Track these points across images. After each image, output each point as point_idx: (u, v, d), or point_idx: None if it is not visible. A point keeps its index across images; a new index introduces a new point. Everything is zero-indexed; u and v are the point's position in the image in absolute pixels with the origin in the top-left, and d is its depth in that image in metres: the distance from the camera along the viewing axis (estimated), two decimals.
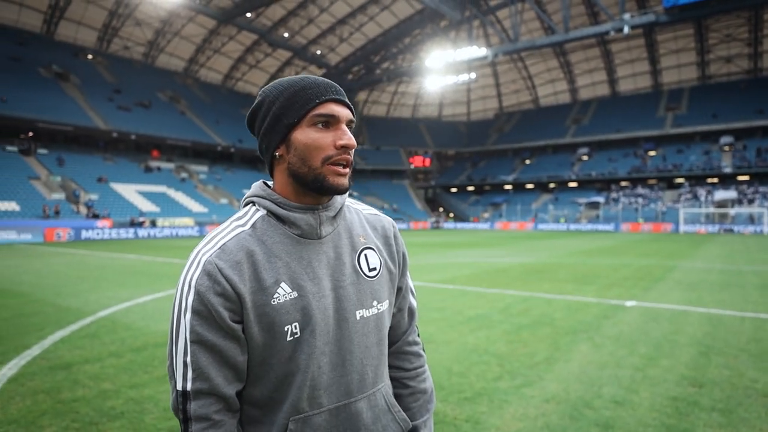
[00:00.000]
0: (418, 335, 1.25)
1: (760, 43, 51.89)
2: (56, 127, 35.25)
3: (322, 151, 0.97)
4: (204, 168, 45.36)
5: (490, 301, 7.85)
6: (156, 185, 37.39)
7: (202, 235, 31.80)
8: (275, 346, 0.95)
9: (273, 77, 61.58)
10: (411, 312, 1.23)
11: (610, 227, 43.41)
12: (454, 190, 64.81)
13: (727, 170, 45.52)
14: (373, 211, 1.21)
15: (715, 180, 47.50)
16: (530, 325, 6.21)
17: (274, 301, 0.94)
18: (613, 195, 50.35)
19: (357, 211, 1.16)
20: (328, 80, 1.03)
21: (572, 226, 45.35)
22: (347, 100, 1.03)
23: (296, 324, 0.95)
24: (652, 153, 53.16)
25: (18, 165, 31.79)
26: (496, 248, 20.89)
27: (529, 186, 58.15)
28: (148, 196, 35.10)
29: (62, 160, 34.44)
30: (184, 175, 42.35)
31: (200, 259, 0.94)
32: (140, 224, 30.08)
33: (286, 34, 51.22)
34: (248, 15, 46.09)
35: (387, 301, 1.10)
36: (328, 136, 0.98)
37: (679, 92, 57.89)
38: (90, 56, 47.35)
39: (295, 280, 0.97)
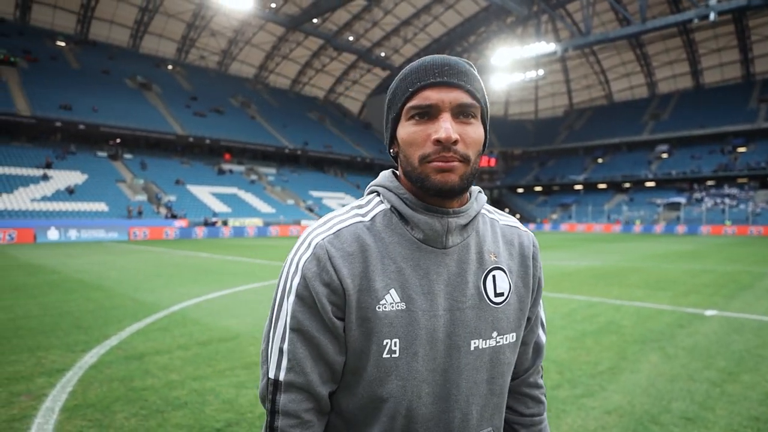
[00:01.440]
0: (542, 377, 1.08)
1: None
2: (140, 133, 38.05)
3: (418, 148, 0.84)
4: (272, 170, 47.16)
5: (553, 306, 7.55)
6: (227, 187, 39.34)
7: (264, 236, 33.10)
8: (370, 359, 0.84)
9: (338, 80, 62.99)
10: (537, 348, 1.05)
11: (687, 230, 40.43)
12: (520, 190, 63.07)
13: None
14: (512, 221, 1.03)
15: None
16: (595, 331, 5.91)
17: (379, 308, 0.83)
18: (696, 195, 46.82)
19: (492, 222, 1.00)
20: (444, 57, 0.86)
21: (657, 228, 42.68)
22: (460, 80, 0.84)
23: (396, 341, 0.83)
24: (742, 149, 48.86)
25: (106, 169, 34.62)
26: (562, 251, 20.08)
27: (602, 186, 55.39)
28: (220, 197, 37.00)
29: (145, 164, 37.10)
30: (253, 177, 44.25)
31: (312, 240, 0.86)
32: (213, 224, 31.77)
33: (350, 38, 52.19)
34: (314, 21, 47.42)
35: (512, 334, 0.94)
36: (426, 130, 0.84)
37: None
38: (170, 66, 50.74)
39: (406, 290, 0.84)
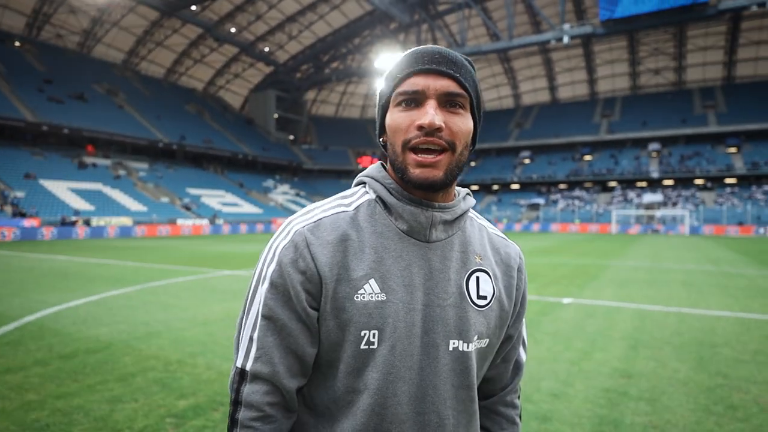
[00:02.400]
0: (519, 398, 1.04)
1: (684, 57, 55.84)
2: None
3: (401, 133, 0.82)
4: (144, 165, 43.37)
5: None
6: (91, 182, 35.36)
7: (129, 236, 30.42)
8: (346, 351, 0.81)
9: (219, 73, 59.92)
10: (517, 367, 1.01)
11: (543, 228, 45.32)
12: None
13: (655, 175, 48.64)
14: (500, 233, 1.01)
15: (644, 184, 50.63)
16: None
17: (357, 298, 0.80)
18: (552, 197, 52.55)
19: (481, 227, 0.98)
20: (435, 47, 0.84)
21: (533, 226, 47.00)
22: (449, 69, 0.82)
23: (375, 332, 0.80)
24: (588, 157, 55.94)
25: None
26: None
27: (474, 187, 59.68)
28: (82, 193, 33.14)
29: None
30: (121, 172, 40.31)
31: (292, 227, 0.85)
32: (73, 223, 28.36)
33: (233, 30, 49.93)
34: (193, 8, 44.57)
35: (487, 340, 0.89)
36: (410, 116, 0.82)
37: (613, 100, 61.30)
38: (17, 43, 44.15)
39: (386, 281, 0.82)
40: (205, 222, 35.82)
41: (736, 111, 50.47)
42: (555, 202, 51.38)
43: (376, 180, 0.90)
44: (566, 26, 39.43)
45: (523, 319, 1.00)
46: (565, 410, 3.49)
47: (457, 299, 0.86)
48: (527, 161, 59.30)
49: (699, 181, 47.80)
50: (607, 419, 3.35)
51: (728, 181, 46.63)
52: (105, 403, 3.56)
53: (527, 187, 56.35)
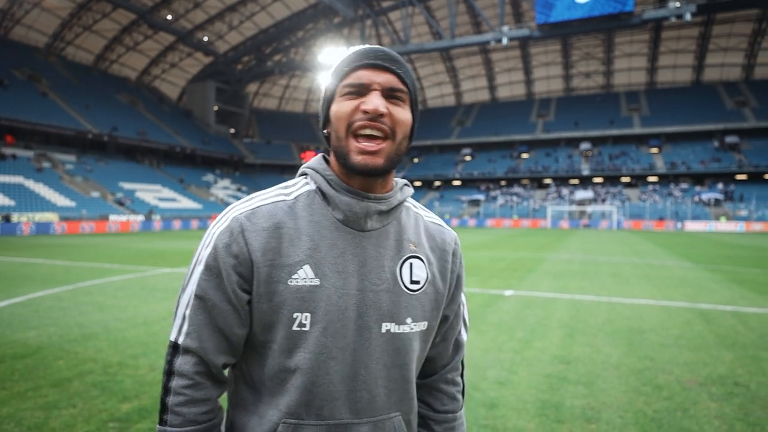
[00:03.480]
0: (462, 376, 1.08)
1: (612, 62, 59.39)
2: None
3: (345, 118, 0.87)
4: (71, 157, 40.63)
5: None
6: (10, 175, 32.68)
7: (49, 233, 28.54)
8: (279, 332, 0.86)
9: (154, 61, 57.10)
10: (457, 345, 1.06)
11: (477, 224, 46.84)
12: None
13: (586, 173, 51.50)
14: (438, 221, 1.05)
15: (576, 181, 53.46)
16: None
17: (291, 282, 0.86)
18: (492, 193, 54.34)
19: (417, 216, 1.03)
20: (379, 47, 0.91)
21: (466, 222, 48.18)
22: (392, 65, 0.89)
23: (307, 315, 0.86)
24: (525, 155, 58.29)
25: None
26: None
27: (417, 183, 60.58)
28: (0, 187, 30.62)
29: None
30: (45, 164, 37.56)
31: (230, 214, 0.90)
32: None
33: (169, 17, 47.69)
34: None
35: (425, 322, 0.95)
36: (354, 104, 0.87)
37: (548, 101, 64.18)
38: None
39: (320, 267, 0.87)
40: (139, 218, 34.12)
41: (657, 114, 54.35)
42: (494, 198, 53.14)
43: (317, 171, 0.94)
44: (505, 28, 40.80)
45: (462, 301, 1.06)
46: (511, 396, 3.67)
47: (390, 284, 0.91)
48: (468, 158, 60.90)
49: (625, 179, 51.10)
50: (549, 403, 3.55)
51: (650, 179, 50.18)
52: (39, 411, 3.36)
53: (468, 183, 57.89)
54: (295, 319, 0.85)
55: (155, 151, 49.06)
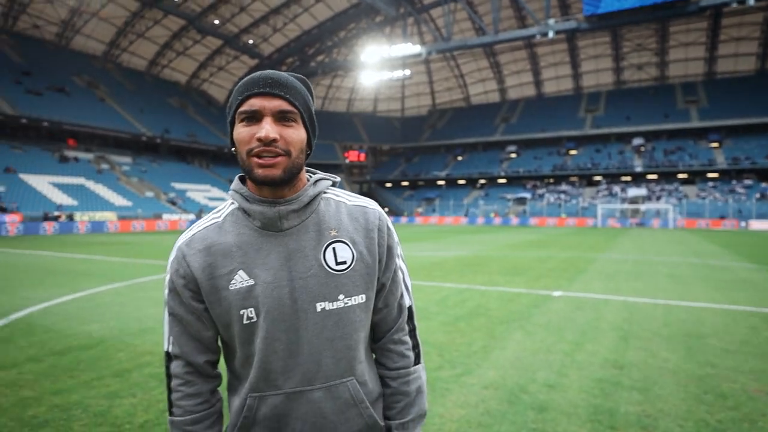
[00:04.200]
0: (411, 335, 1.20)
1: (666, 53, 56.61)
2: None
3: (245, 144, 1.01)
4: (127, 159, 42.72)
5: (427, 294, 8.04)
6: (73, 177, 34.74)
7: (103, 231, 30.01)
8: (234, 329, 1.04)
9: (202, 65, 59.11)
10: (400, 309, 1.19)
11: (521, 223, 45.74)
12: (389, 185, 65.45)
13: (638, 169, 49.37)
14: (361, 202, 1.18)
15: (629, 178, 51.35)
16: (466, 315, 6.44)
17: (231, 287, 1.03)
18: (539, 191, 53.03)
19: (339, 203, 1.15)
20: (268, 72, 1.04)
21: (506, 220, 47.32)
22: (280, 91, 1.01)
23: (252, 309, 1.03)
24: (573, 152, 56.52)
25: None
26: (430, 242, 21.38)
27: (461, 182, 59.93)
28: (64, 188, 32.56)
29: None
30: (104, 166, 39.67)
31: (177, 244, 1.09)
32: (56, 218, 27.86)
33: (216, 21, 49.22)
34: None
35: (362, 295, 1.09)
36: (250, 131, 1.00)
37: (598, 95, 61.92)
38: None
39: (250, 269, 1.04)
40: (189, 217, 35.46)
41: (717, 106, 51.40)
42: (541, 196, 51.86)
43: (236, 192, 1.10)
44: (551, 21, 39.65)
45: (400, 267, 1.19)
46: (561, 400, 3.56)
47: (316, 270, 1.06)
48: (513, 156, 59.70)
49: (682, 176, 48.62)
50: (601, 408, 3.42)
51: (710, 175, 47.51)
52: (103, 399, 3.54)
53: (513, 181, 56.75)
54: (243, 314, 1.03)
55: (204, 152, 50.82)
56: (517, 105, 66.53)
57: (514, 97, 68.63)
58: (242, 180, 1.13)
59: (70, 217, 28.70)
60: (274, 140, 0.99)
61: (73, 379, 3.93)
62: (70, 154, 38.47)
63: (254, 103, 1.00)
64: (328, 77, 66.27)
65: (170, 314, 1.08)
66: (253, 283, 1.03)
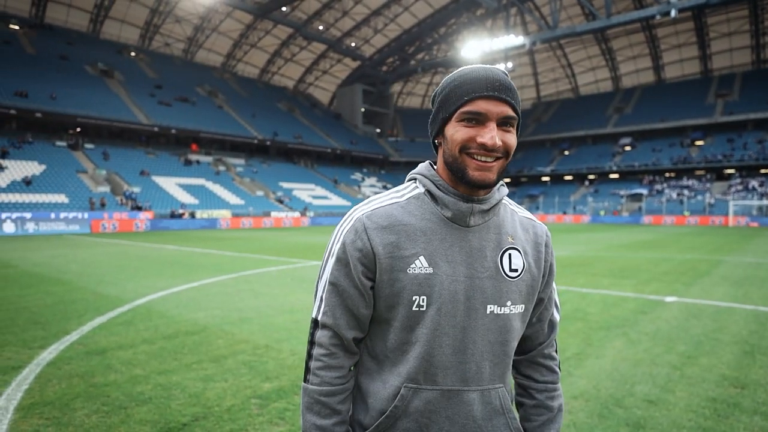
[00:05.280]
0: (557, 352, 1.22)
1: None
2: (102, 122, 36.70)
3: (461, 143, 0.99)
4: (241, 161, 46.31)
5: None
6: (195, 178, 38.45)
7: (224, 228, 32.52)
8: (400, 312, 1.01)
9: (308, 70, 62.21)
10: (552, 325, 1.20)
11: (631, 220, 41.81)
12: None
13: None
14: (530, 215, 1.19)
15: None
16: (562, 319, 6.02)
17: (409, 270, 1.00)
18: (657, 186, 48.41)
19: (513, 212, 1.16)
20: (494, 73, 1.00)
21: (620, 219, 43.95)
22: (507, 96, 0.99)
23: (424, 297, 1.00)
24: (699, 142, 50.76)
25: (66, 159, 33.29)
26: None
27: (568, 177, 56.67)
28: (187, 188, 36.14)
29: (107, 154, 35.85)
30: (221, 168, 43.37)
31: (354, 215, 1.06)
32: (180, 216, 31.04)
33: (320, 27, 51.54)
34: (284, 9, 46.60)
35: (522, 305, 1.08)
36: (471, 132, 0.98)
37: (731, 78, 54.92)
38: (133, 53, 49.04)
39: (432, 258, 1.01)
40: (295, 215, 37.51)
41: None
42: (660, 192, 47.31)
43: (426, 177, 1.08)
44: None
45: (554, 286, 1.19)
46: (663, 418, 3.17)
47: (492, 272, 1.04)
48: (628, 148, 55.13)
49: None
50: None
51: None
52: (199, 381, 3.83)
53: (627, 176, 52.44)
54: (414, 300, 1.00)
55: (309, 153, 53.46)
56: (633, 93, 61.28)
57: (629, 85, 63.33)
58: (432, 166, 1.12)
59: (192, 215, 31.77)
60: (497, 148, 0.98)
61: (177, 361, 4.31)
62: (193, 157, 42.59)
63: (481, 106, 0.98)
64: (428, 75, 66.26)
65: (331, 283, 1.05)
66: (432, 271, 1.00)
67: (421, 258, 1.00)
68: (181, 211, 31.58)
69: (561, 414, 1.18)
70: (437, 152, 1.10)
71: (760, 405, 3.41)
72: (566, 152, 59.61)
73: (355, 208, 1.08)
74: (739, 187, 43.65)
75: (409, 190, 1.10)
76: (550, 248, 1.16)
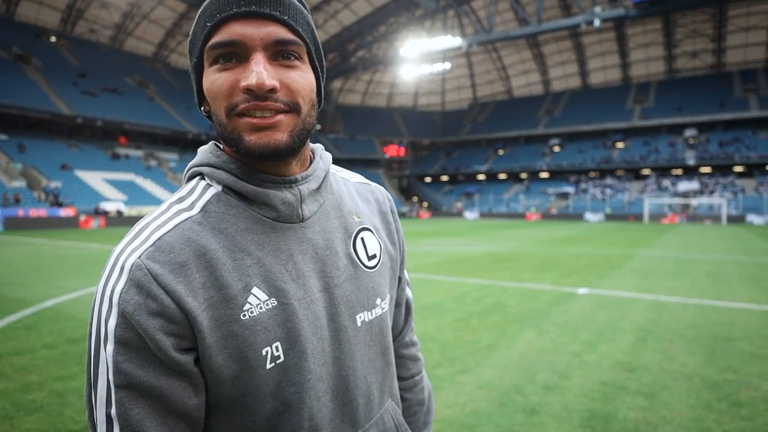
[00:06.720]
0: (413, 333, 1.03)
1: (723, 39, 53.30)
2: (17, 111, 33.93)
3: (224, 98, 0.66)
4: (174, 156, 44.38)
5: (447, 290, 7.90)
6: (123, 173, 36.44)
7: None
8: (251, 380, 0.67)
9: None
10: (408, 307, 1.00)
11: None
12: (428, 179, 65.04)
13: (691, 162, 46.80)
14: (361, 178, 0.94)
15: (680, 171, 48.81)
16: (481, 312, 6.28)
17: (244, 316, 0.66)
18: (583, 186, 51.29)
19: (344, 180, 0.89)
20: None
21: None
22: (273, 9, 0.66)
23: (278, 344, 0.68)
24: (620, 144, 54.27)
25: None
26: (465, 237, 21.06)
27: (502, 176, 58.78)
28: (115, 184, 34.21)
29: (23, 146, 33.20)
30: (153, 162, 41.37)
31: (124, 261, 0.64)
32: (106, 213, 29.32)
33: None
34: None
35: (388, 295, 0.86)
36: (231, 76, 0.66)
37: (647, 85, 59.12)
38: (53, 38, 45.60)
39: (272, 283, 0.69)
40: None
41: None
42: (585, 190, 50.16)
43: (216, 167, 0.73)
44: (597, 9, 38.09)
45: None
46: (557, 403, 3.39)
47: (350, 270, 0.78)
48: (557, 149, 57.98)
49: (738, 168, 45.75)
50: (598, 413, 3.23)
51: None
52: None
53: (556, 175, 55.15)
54: (266, 355, 0.67)
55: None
56: (562, 97, 64.49)
57: (558, 88, 66.59)
58: (218, 148, 0.78)
59: (119, 212, 30.10)
60: (272, 89, 0.65)
61: (80, 366, 4.08)
62: (122, 151, 40.33)
63: (234, 31, 0.65)
64: (368, 72, 66.41)
65: (122, 388, 0.62)
66: (277, 303, 0.69)
67: (255, 290, 0.68)
68: (106, 208, 29.82)
69: (432, 398, 1.04)
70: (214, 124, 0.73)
71: (644, 386, 3.72)
72: (501, 152, 61.79)
73: (118, 247, 0.67)
74: (654, 186, 47.12)
75: (198, 193, 0.73)
76: (396, 214, 0.94)
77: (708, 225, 35.29)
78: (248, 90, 0.64)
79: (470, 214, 49.59)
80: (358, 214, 0.84)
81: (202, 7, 0.69)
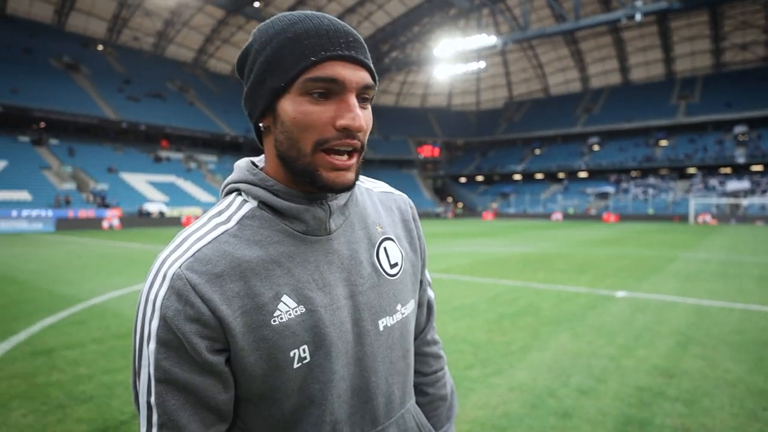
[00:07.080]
0: (435, 330, 1.08)
1: None
2: (67, 117, 35.69)
3: (315, 132, 0.71)
4: (213, 158, 45.67)
5: (480, 291, 7.85)
6: (165, 175, 37.75)
7: None
8: (279, 377, 0.75)
9: None
10: (430, 307, 1.05)
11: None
12: (462, 180, 64.52)
13: (741, 160, 44.67)
14: (384, 187, 0.99)
15: (728, 170, 46.67)
16: (514, 314, 6.21)
17: (274, 321, 0.73)
18: (623, 185, 49.74)
19: (368, 191, 0.94)
20: (341, 23, 0.74)
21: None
22: (364, 57, 0.74)
23: (305, 347, 0.75)
24: (663, 142, 52.37)
25: (30, 155, 32.29)
26: (500, 238, 20.81)
27: (539, 176, 57.71)
28: (157, 185, 35.47)
29: (73, 150, 34.90)
30: (192, 165, 42.68)
31: (166, 270, 0.71)
32: (148, 214, 30.44)
33: None
34: (256, 5, 46.02)
35: (412, 300, 0.92)
36: (327, 111, 0.71)
37: (693, 80, 56.80)
38: (100, 47, 47.73)
39: (300, 291, 0.76)
40: None
41: None
42: (626, 190, 48.64)
43: (254, 184, 0.79)
44: (638, 2, 36.89)
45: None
46: (591, 407, 3.34)
47: (374, 278, 0.84)
48: (596, 148, 56.47)
49: None
50: (634, 419, 3.17)
51: None
52: None
53: (596, 174, 53.72)
54: (294, 356, 0.74)
55: None
56: (601, 94, 62.76)
57: (597, 85, 64.82)
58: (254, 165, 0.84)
59: (161, 213, 31.20)
60: (359, 129, 0.72)
61: (125, 360, 4.29)
62: (163, 154, 41.80)
63: (338, 72, 0.70)
64: (402, 73, 66.47)
65: (160, 382, 0.70)
66: (305, 310, 0.75)
67: (285, 298, 0.74)
68: (149, 209, 30.95)
69: (454, 395, 1.09)
70: (261, 142, 0.82)
71: (683, 393, 3.62)
72: (537, 151, 60.66)
73: (162, 255, 0.74)
74: (700, 186, 45.22)
75: (235, 208, 0.80)
76: (418, 221, 0.99)
77: (760, 226, 33.62)
78: (345, 128, 0.71)
79: (489, 214, 48.85)
80: (381, 225, 0.90)
81: (294, 35, 0.71)
